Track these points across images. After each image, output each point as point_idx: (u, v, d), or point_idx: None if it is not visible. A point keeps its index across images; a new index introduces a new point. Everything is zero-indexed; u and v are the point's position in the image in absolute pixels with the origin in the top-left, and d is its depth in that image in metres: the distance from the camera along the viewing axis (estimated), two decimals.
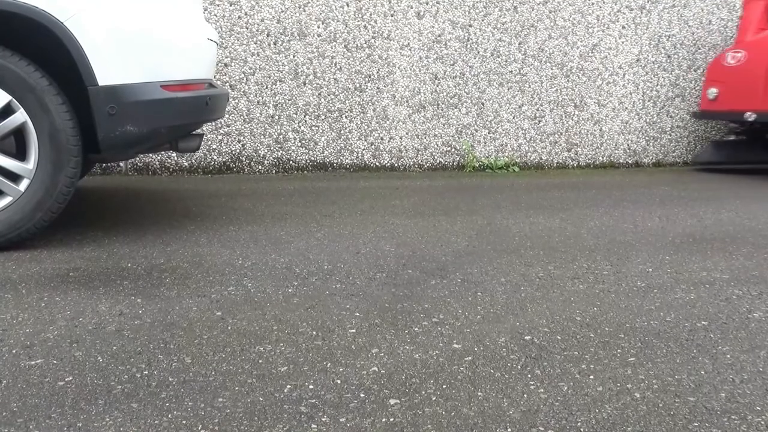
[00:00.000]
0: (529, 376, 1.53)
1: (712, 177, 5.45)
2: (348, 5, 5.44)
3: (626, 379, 1.52)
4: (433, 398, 1.42)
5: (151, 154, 5.02)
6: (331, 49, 5.44)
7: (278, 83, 5.33)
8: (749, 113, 5.17)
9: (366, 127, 5.59)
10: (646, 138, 6.09)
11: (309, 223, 3.27)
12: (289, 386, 1.47)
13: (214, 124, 5.16)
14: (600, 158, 5.99)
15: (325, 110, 5.48)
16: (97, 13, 2.55)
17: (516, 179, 5.17)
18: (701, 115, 5.75)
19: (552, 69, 5.81)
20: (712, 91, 5.63)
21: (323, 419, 1.32)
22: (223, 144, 5.23)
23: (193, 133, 3.10)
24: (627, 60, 5.92)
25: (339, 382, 1.49)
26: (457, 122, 5.68)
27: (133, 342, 1.71)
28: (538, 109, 5.83)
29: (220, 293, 2.10)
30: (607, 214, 3.61)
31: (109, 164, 4.97)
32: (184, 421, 1.31)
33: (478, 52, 5.64)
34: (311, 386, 1.47)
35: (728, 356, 1.66)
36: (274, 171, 5.36)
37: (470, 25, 5.62)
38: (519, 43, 5.72)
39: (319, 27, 5.39)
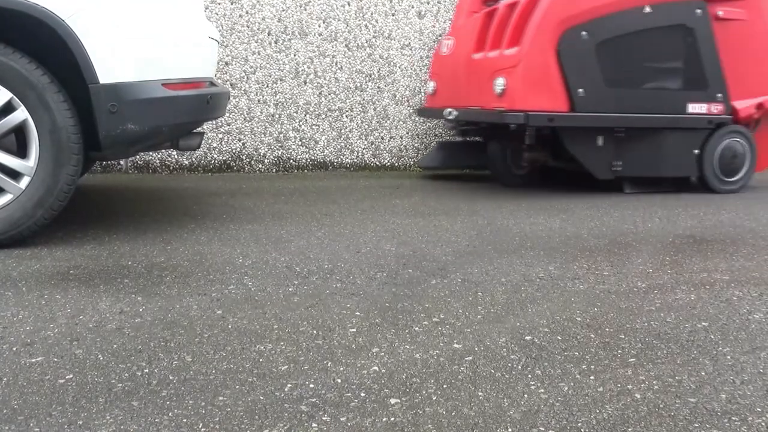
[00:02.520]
0: (530, 376, 1.53)
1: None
2: (349, 4, 5.44)
3: (627, 380, 1.52)
4: (434, 398, 1.42)
5: (151, 153, 5.02)
6: (332, 48, 5.44)
7: (279, 82, 5.33)
8: (449, 110, 4.46)
9: (366, 126, 5.59)
10: None
11: (309, 222, 3.27)
12: (289, 385, 1.47)
13: (214, 122, 5.16)
14: None
15: (325, 109, 5.47)
16: (99, 11, 2.55)
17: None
18: (422, 113, 5.05)
19: None
20: (431, 85, 5.02)
21: (324, 418, 1.32)
22: (223, 142, 5.22)
23: (194, 131, 3.10)
24: None
25: (339, 381, 1.49)
26: None
27: (134, 340, 1.71)
28: None
29: (221, 292, 2.10)
30: (608, 215, 3.61)
31: (109, 162, 4.97)
32: (184, 420, 1.31)
33: None
34: (312, 385, 1.47)
35: (729, 357, 1.66)
36: (274, 170, 5.36)
37: None
38: None
39: (320, 26, 5.39)
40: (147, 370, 1.53)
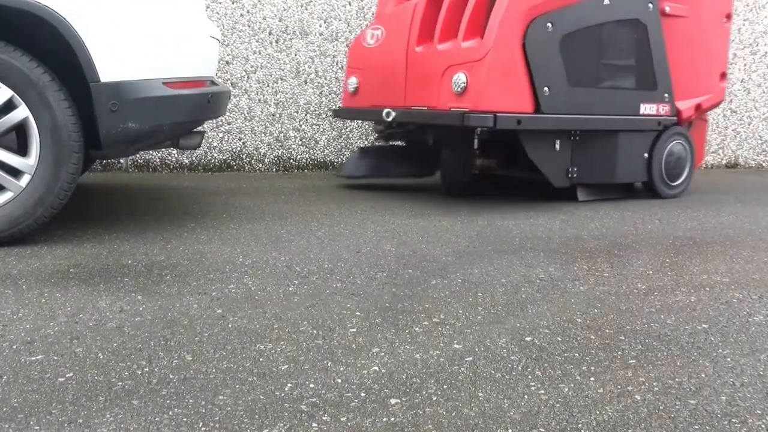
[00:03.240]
0: (530, 377, 1.53)
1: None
2: (350, 4, 5.44)
3: (627, 382, 1.52)
4: (434, 398, 1.42)
5: (151, 151, 5.02)
6: (332, 47, 5.44)
7: (279, 81, 5.33)
8: (388, 110, 3.88)
9: (366, 126, 5.59)
10: None
11: (309, 221, 3.27)
12: (289, 385, 1.47)
13: (215, 121, 5.16)
14: None
15: (326, 109, 5.47)
16: (100, 9, 2.55)
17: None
18: (340, 113, 4.41)
19: None
20: (352, 82, 4.36)
21: (324, 418, 1.32)
22: (224, 142, 5.22)
23: (195, 130, 3.10)
24: None
25: (340, 381, 1.49)
26: None
27: (134, 339, 1.71)
28: None
29: (221, 291, 2.10)
30: (608, 216, 3.61)
31: (109, 161, 4.97)
32: (184, 419, 1.31)
33: None
34: (312, 385, 1.47)
35: (729, 359, 1.66)
36: (274, 169, 5.36)
37: None
38: None
39: (321, 26, 5.39)
40: (147, 369, 1.53)
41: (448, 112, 3.59)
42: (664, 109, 4.22)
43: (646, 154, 4.24)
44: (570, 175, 3.98)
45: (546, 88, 3.71)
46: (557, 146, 3.90)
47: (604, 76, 3.99)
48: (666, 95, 4.22)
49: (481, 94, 3.49)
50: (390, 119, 3.87)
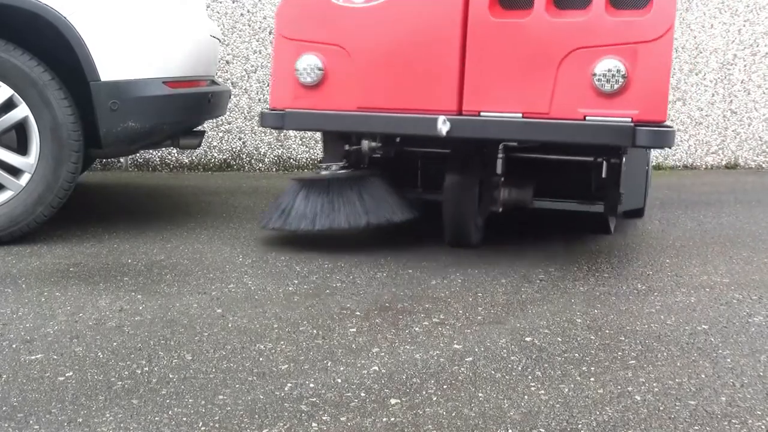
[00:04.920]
0: (530, 377, 1.53)
1: None
2: None
3: (627, 382, 1.52)
4: (434, 398, 1.42)
5: (151, 151, 5.02)
6: None
7: None
8: (443, 118, 2.39)
9: None
10: None
11: None
12: (289, 384, 1.47)
13: (215, 121, 5.17)
14: None
15: None
16: (101, 8, 2.55)
17: None
18: (278, 120, 2.60)
19: None
20: (311, 65, 2.54)
21: (324, 418, 1.32)
22: (223, 141, 5.23)
23: (195, 130, 3.09)
24: None
25: (340, 381, 1.49)
26: None
27: (134, 338, 1.70)
28: None
29: (221, 290, 2.10)
30: None
31: (109, 160, 4.97)
32: (184, 418, 1.31)
33: None
34: (312, 385, 1.47)
35: (728, 360, 1.66)
36: (274, 169, 5.36)
37: None
38: None
39: None
40: (147, 369, 1.53)
41: (586, 125, 2.30)
42: None
43: (646, 167, 3.36)
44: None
45: None
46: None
47: None
48: None
49: (647, 93, 2.28)
50: (445, 133, 2.39)
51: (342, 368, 1.56)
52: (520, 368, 1.58)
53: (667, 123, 2.31)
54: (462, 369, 1.57)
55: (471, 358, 1.63)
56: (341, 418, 1.32)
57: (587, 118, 2.31)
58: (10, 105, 2.51)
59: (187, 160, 5.16)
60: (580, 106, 2.33)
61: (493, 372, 1.55)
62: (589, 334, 1.81)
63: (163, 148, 4.96)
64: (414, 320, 1.88)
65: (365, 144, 2.74)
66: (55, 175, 2.55)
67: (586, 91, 2.32)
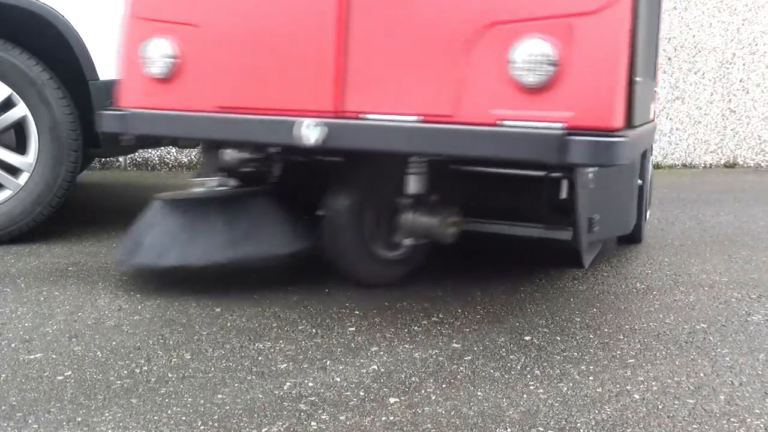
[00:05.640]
0: (529, 376, 1.53)
1: None
2: None
3: (625, 381, 1.52)
4: (433, 397, 1.42)
5: (150, 150, 5.01)
6: None
7: None
8: (308, 122, 1.78)
9: None
10: None
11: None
12: (288, 383, 1.47)
13: None
14: None
15: None
16: (100, 8, 2.55)
17: None
18: (118, 122, 2.07)
19: None
20: (160, 52, 1.98)
21: (323, 417, 1.32)
22: None
23: None
24: None
25: (339, 380, 1.49)
26: None
27: (133, 337, 1.70)
28: None
29: (219, 289, 2.10)
30: None
31: (108, 159, 4.96)
32: (183, 417, 1.31)
33: None
34: (311, 384, 1.47)
35: (727, 359, 1.66)
36: None
37: None
38: None
39: None
40: (146, 368, 1.53)
41: (498, 133, 1.68)
42: (654, 109, 2.63)
43: (639, 181, 2.68)
44: (594, 228, 2.13)
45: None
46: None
47: None
48: (656, 88, 2.83)
49: (602, 87, 1.64)
50: (312, 142, 1.77)
51: (341, 367, 1.56)
52: (519, 367, 1.58)
53: (624, 131, 1.65)
54: (461, 368, 1.57)
55: (470, 357, 1.63)
56: (340, 417, 1.32)
57: (501, 122, 1.66)
58: (8, 104, 2.51)
59: (185, 160, 5.16)
60: (494, 105, 1.68)
61: (492, 371, 1.56)
62: (587, 333, 1.82)
63: (162, 148, 4.95)
64: (413, 319, 1.88)
65: (228, 155, 2.14)
66: (54, 175, 2.55)
67: (502, 86, 1.67)
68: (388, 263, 2.20)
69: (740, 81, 6.27)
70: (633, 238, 2.81)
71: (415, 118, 1.74)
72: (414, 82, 1.75)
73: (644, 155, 2.70)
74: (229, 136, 1.96)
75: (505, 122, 1.66)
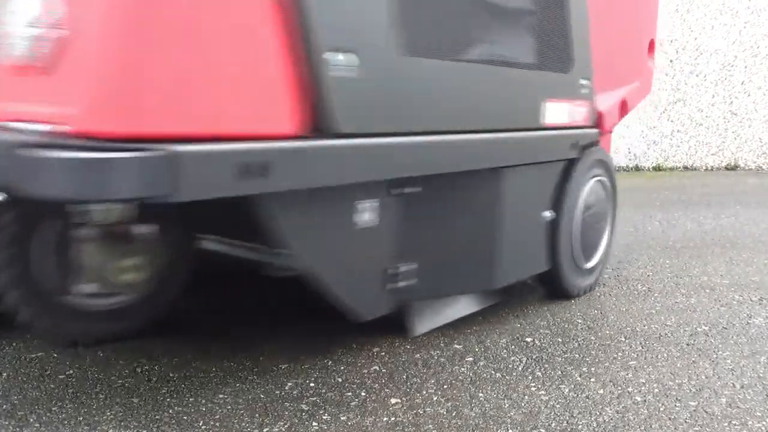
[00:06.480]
0: (530, 377, 1.53)
1: None
2: None
3: (627, 383, 1.52)
4: (434, 398, 1.42)
5: None
6: None
7: None
8: None
9: None
10: (647, 142, 6.09)
11: None
12: (290, 383, 1.47)
13: None
14: None
15: None
16: None
17: None
18: None
19: None
20: None
21: (324, 417, 1.32)
22: None
23: None
24: None
25: (340, 380, 1.49)
26: None
27: (133, 336, 1.70)
28: None
29: (221, 289, 2.10)
30: None
31: None
32: (185, 417, 1.31)
33: None
34: (312, 384, 1.47)
35: (729, 361, 1.66)
36: None
37: None
38: None
39: None
40: (147, 367, 1.53)
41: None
42: (581, 111, 2.13)
43: (547, 213, 2.02)
44: (391, 285, 1.62)
45: (342, 57, 1.36)
46: (366, 214, 1.54)
47: (475, 36, 1.70)
48: (584, 83, 2.14)
49: (131, 71, 1.07)
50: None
51: (342, 367, 1.56)
52: (520, 368, 1.58)
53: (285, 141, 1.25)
54: (462, 369, 1.57)
55: (471, 358, 1.63)
56: (341, 417, 1.32)
57: None
58: None
59: None
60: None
61: (493, 372, 1.55)
62: (589, 334, 1.82)
63: None
64: None
65: None
66: None
67: None
68: (93, 317, 1.63)
69: (742, 83, 6.27)
70: (556, 289, 2.10)
71: None
72: None
73: (568, 174, 2.04)
74: None
75: None
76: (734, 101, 6.28)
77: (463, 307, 1.90)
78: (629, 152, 6.10)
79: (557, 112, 1.98)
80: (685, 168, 6.26)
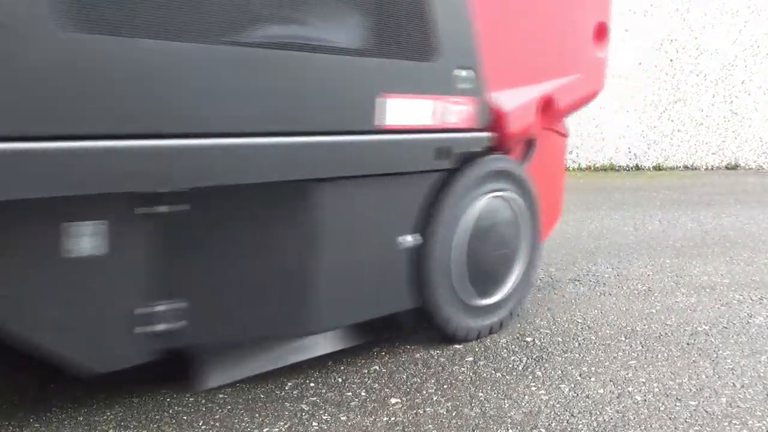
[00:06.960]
0: (530, 377, 1.53)
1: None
2: None
3: (627, 382, 1.52)
4: (434, 398, 1.42)
5: None
6: None
7: None
8: None
9: None
10: (647, 141, 6.09)
11: None
12: (290, 383, 1.47)
13: None
14: (600, 161, 6.00)
15: None
16: None
17: None
18: None
19: None
20: None
21: (324, 417, 1.32)
22: None
23: None
24: (629, 63, 5.92)
25: (340, 380, 1.49)
26: None
27: None
28: None
29: None
30: (608, 217, 3.61)
31: None
32: (185, 417, 1.31)
33: None
34: (312, 384, 1.47)
35: (729, 361, 1.66)
36: None
37: None
38: None
39: None
40: (147, 367, 1.53)
41: None
42: (459, 110, 1.74)
43: (408, 238, 1.65)
44: (144, 330, 1.33)
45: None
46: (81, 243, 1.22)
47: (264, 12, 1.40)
48: (464, 75, 1.75)
49: None
50: None
51: (342, 367, 1.55)
52: (520, 368, 1.58)
53: None
54: (462, 369, 1.57)
55: (471, 358, 1.63)
56: (341, 417, 1.32)
57: None
58: None
59: None
60: None
61: (493, 371, 1.55)
62: (589, 334, 1.81)
63: None
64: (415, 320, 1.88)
65: None
66: None
67: None
68: None
69: (742, 83, 6.27)
70: (438, 331, 1.71)
71: None
72: None
73: (442, 190, 1.68)
74: None
75: None
76: (734, 101, 6.28)
77: (294, 352, 1.53)
78: (629, 152, 6.10)
79: (407, 111, 1.58)
80: (686, 167, 6.26)
